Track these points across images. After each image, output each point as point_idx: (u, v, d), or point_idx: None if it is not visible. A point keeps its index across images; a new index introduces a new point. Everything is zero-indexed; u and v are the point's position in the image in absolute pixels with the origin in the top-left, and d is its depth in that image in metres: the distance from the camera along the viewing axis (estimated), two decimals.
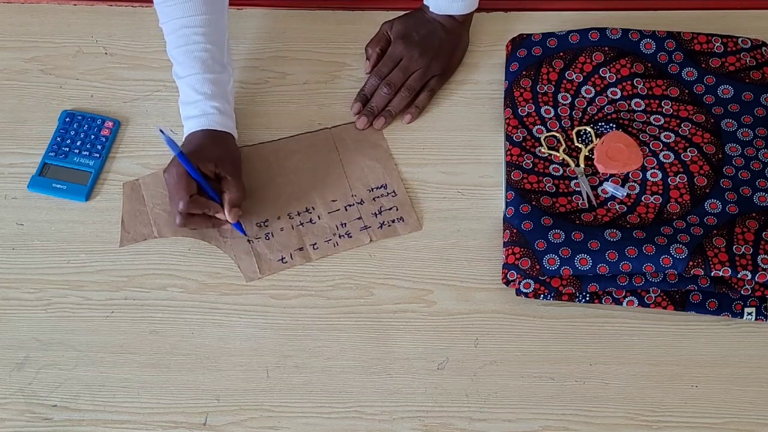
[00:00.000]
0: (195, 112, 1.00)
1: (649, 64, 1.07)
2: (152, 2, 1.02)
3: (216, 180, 0.98)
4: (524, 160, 1.02)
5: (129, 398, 0.92)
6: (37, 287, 0.98)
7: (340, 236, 1.00)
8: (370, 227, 1.01)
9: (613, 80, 1.06)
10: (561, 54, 1.09)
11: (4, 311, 0.97)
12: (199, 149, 0.97)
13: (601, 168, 1.01)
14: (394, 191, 1.03)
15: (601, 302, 0.96)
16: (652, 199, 0.99)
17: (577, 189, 1.00)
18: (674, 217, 0.97)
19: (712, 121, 1.03)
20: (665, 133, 1.03)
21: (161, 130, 0.94)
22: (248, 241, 1.00)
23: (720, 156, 1.01)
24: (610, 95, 1.06)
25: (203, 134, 0.99)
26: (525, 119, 1.05)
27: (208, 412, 0.91)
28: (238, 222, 0.98)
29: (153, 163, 1.05)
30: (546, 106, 1.06)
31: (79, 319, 0.96)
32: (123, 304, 0.97)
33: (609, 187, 1.00)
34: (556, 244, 0.95)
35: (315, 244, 1.00)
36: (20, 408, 0.92)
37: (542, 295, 0.95)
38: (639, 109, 1.05)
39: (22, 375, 0.94)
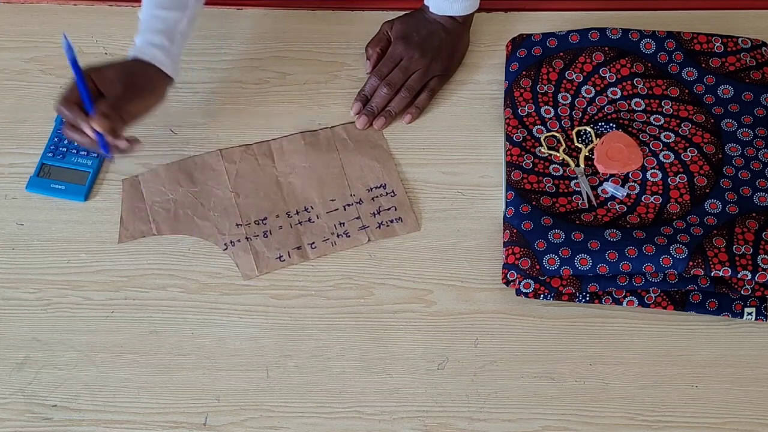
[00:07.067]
0: (136, 42, 1.01)
1: (649, 64, 1.07)
2: None
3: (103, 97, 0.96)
4: (524, 160, 1.02)
5: (129, 398, 0.92)
6: (37, 287, 0.98)
7: (338, 236, 1.00)
8: (368, 227, 1.01)
9: (613, 80, 1.06)
10: (561, 54, 1.09)
11: (4, 311, 0.97)
12: (105, 66, 0.97)
13: (601, 168, 1.01)
14: (393, 191, 1.03)
15: (601, 302, 0.96)
16: (652, 199, 0.99)
17: (577, 189, 1.00)
18: (674, 217, 0.97)
19: (712, 121, 1.03)
20: (665, 133, 1.03)
21: (64, 35, 0.91)
22: (246, 238, 1.00)
23: (720, 156, 1.01)
24: (610, 95, 1.06)
25: (130, 61, 0.99)
26: (525, 119, 1.05)
27: (208, 412, 0.92)
28: (103, 139, 0.94)
29: (152, 162, 1.05)
30: (546, 106, 1.06)
31: (79, 319, 0.96)
32: (123, 304, 0.97)
33: (609, 187, 1.00)
34: (556, 244, 0.95)
35: (313, 243, 1.00)
36: (20, 408, 0.92)
37: (542, 295, 0.95)
38: (639, 109, 1.05)
39: (22, 375, 0.94)
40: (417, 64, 1.08)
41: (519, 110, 1.06)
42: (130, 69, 0.99)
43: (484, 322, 0.96)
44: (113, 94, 0.96)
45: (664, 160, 1.01)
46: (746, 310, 0.94)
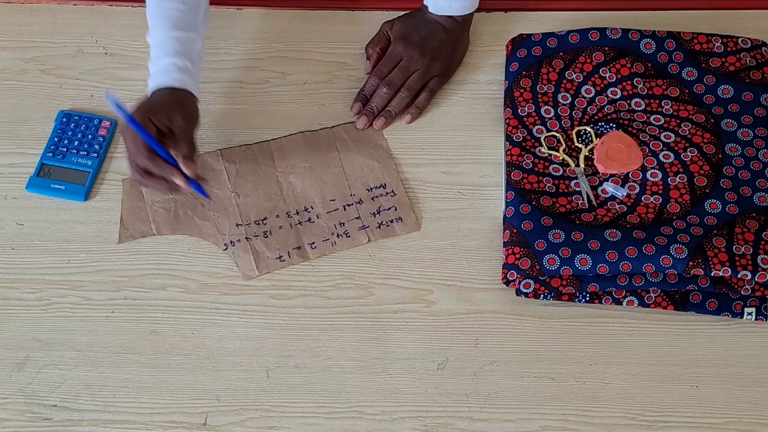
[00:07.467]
0: (156, 68, 0.99)
1: (649, 64, 1.07)
2: None
3: (170, 137, 0.95)
4: (524, 160, 1.02)
5: (129, 398, 0.92)
6: (37, 287, 0.98)
7: (338, 236, 1.00)
8: (368, 227, 1.01)
9: (613, 80, 1.06)
10: (561, 54, 1.09)
11: (4, 311, 0.97)
12: (150, 105, 0.95)
13: (601, 168, 1.01)
14: (393, 191, 1.03)
15: (601, 302, 0.96)
16: (652, 199, 0.99)
17: (577, 189, 1.00)
18: (674, 217, 0.97)
19: (712, 121, 1.03)
20: (665, 133, 1.03)
21: (107, 93, 0.90)
22: (246, 238, 1.00)
23: (720, 156, 1.01)
24: (610, 95, 1.06)
25: (161, 91, 0.97)
26: (525, 119, 1.05)
27: (208, 412, 0.92)
28: (197, 183, 0.95)
29: None
30: (546, 106, 1.06)
31: (79, 319, 0.96)
32: (123, 304, 0.97)
33: (609, 187, 1.00)
34: (556, 244, 0.95)
35: (313, 243, 1.00)
36: (20, 408, 0.92)
37: (542, 295, 0.95)
38: (639, 109, 1.05)
39: (22, 375, 0.94)
40: (417, 64, 1.08)
41: (519, 110, 1.06)
42: (178, 100, 0.97)
43: (484, 322, 0.96)
44: (181, 130, 0.94)
45: (664, 160, 1.01)
46: (746, 310, 0.94)
